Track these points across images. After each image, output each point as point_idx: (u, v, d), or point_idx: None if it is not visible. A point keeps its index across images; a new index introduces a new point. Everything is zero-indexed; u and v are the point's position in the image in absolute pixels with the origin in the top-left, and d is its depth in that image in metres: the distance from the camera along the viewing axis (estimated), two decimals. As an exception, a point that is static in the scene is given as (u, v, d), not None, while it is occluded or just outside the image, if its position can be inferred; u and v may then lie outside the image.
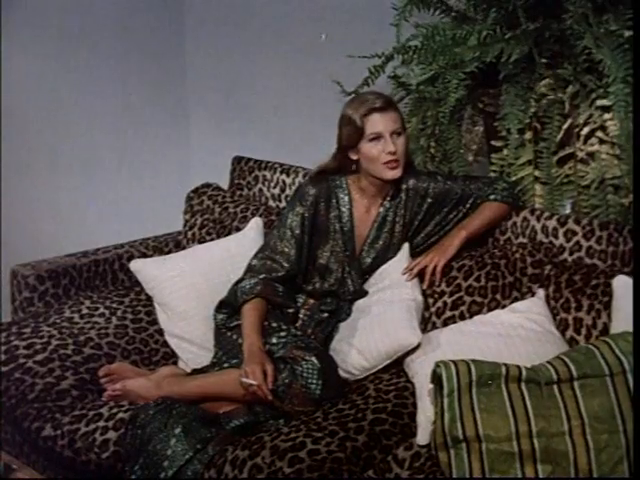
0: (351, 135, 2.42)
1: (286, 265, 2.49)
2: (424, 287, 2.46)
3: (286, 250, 2.50)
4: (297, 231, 2.50)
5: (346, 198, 2.52)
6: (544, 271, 2.36)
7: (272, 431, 2.13)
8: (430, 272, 2.45)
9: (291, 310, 2.49)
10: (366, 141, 2.41)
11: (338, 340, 2.45)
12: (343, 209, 2.52)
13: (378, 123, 2.40)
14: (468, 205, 2.52)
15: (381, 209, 2.52)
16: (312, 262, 2.53)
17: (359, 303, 2.50)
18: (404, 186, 2.52)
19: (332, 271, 2.53)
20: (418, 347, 2.27)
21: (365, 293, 2.51)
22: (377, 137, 2.40)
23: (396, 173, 2.43)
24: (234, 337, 2.43)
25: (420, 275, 2.47)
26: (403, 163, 2.44)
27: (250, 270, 2.51)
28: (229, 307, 2.49)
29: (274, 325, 2.40)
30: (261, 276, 2.46)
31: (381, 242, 2.53)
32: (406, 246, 2.53)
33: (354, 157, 2.47)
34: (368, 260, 2.54)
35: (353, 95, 2.52)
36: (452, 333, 2.29)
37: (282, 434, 2.08)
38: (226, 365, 2.36)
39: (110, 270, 2.93)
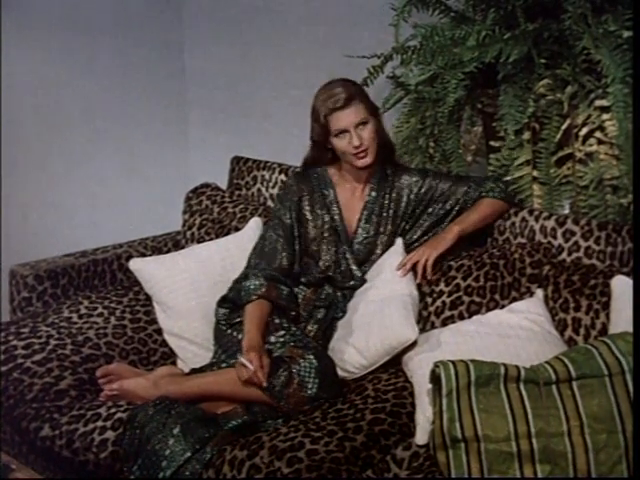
0: (320, 132, 2.51)
1: (282, 254, 2.52)
2: (417, 281, 2.48)
3: (280, 239, 2.53)
4: (287, 220, 2.56)
5: (330, 186, 2.59)
6: (543, 271, 2.36)
7: (270, 431, 2.13)
8: (422, 266, 2.46)
9: (293, 313, 2.49)
10: (333, 136, 2.49)
11: (336, 339, 2.45)
12: (328, 195, 2.58)
13: (341, 120, 2.46)
14: (459, 204, 2.54)
15: (367, 197, 2.57)
16: (305, 249, 2.57)
17: (355, 301, 2.50)
18: (391, 180, 2.57)
19: (326, 252, 2.56)
20: (417, 347, 2.27)
21: (363, 281, 2.53)
22: (342, 132, 2.46)
23: (366, 161, 2.49)
24: (234, 334, 2.43)
25: (415, 271, 2.48)
26: (374, 149, 2.49)
27: (251, 266, 2.53)
28: (231, 303, 2.50)
29: (277, 322, 2.41)
30: (265, 273, 2.47)
31: (371, 232, 2.57)
32: (400, 242, 2.55)
33: (329, 146, 2.54)
34: (359, 247, 2.56)
35: (323, 85, 2.54)
36: (451, 333, 2.28)
37: (281, 434, 2.08)
38: (224, 365, 2.36)
39: (109, 270, 2.93)
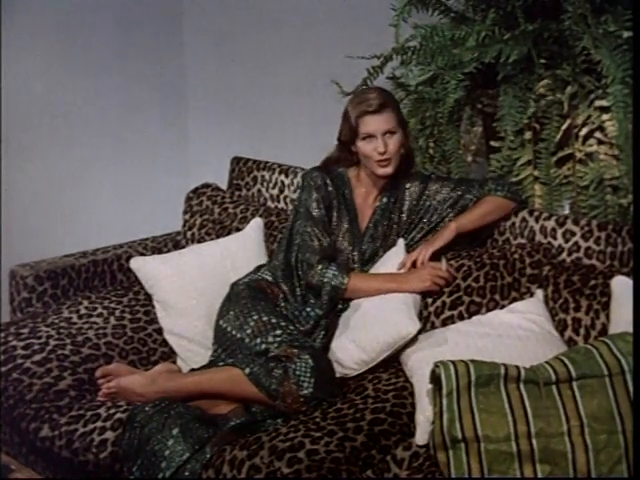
0: (348, 133, 2.52)
1: (324, 245, 2.52)
2: None
3: (318, 233, 2.52)
4: (322, 212, 2.54)
5: (348, 187, 2.60)
6: (543, 272, 2.36)
7: (270, 431, 2.13)
8: (419, 262, 2.48)
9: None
10: (360, 139, 2.50)
11: (337, 336, 2.46)
12: (347, 195, 2.59)
13: (370, 125, 2.47)
14: (460, 205, 2.54)
15: (378, 203, 2.59)
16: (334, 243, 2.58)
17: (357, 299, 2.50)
18: (402, 187, 2.58)
19: (341, 251, 2.57)
20: (417, 346, 2.27)
21: None
22: (370, 136, 2.47)
23: (387, 170, 2.50)
24: (233, 332, 2.42)
25: (414, 267, 2.49)
26: (396, 160, 2.51)
27: (310, 264, 2.49)
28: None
29: (274, 321, 2.40)
30: (330, 263, 2.49)
31: (377, 235, 2.58)
32: (401, 242, 2.56)
33: (354, 149, 2.55)
34: (365, 248, 2.58)
35: (359, 90, 2.57)
36: (451, 333, 2.28)
37: (280, 434, 2.08)
38: (222, 364, 2.36)
39: (109, 270, 2.93)
